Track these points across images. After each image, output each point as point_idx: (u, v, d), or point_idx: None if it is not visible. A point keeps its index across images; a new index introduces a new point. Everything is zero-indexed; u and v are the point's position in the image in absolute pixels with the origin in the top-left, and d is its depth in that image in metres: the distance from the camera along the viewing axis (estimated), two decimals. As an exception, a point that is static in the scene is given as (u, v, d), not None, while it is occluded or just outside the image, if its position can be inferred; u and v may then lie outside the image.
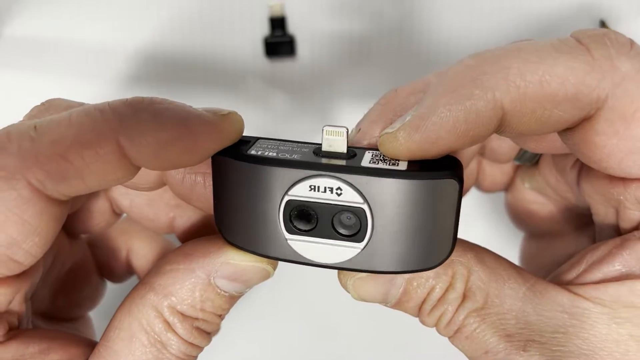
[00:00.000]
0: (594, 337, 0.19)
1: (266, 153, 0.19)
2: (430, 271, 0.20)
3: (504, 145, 0.26)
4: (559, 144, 0.22)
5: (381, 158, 0.19)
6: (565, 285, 0.20)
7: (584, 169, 0.24)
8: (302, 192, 0.19)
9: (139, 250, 0.28)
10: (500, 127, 0.18)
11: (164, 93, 0.43)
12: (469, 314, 0.20)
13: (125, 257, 0.28)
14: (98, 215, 0.26)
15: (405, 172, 0.18)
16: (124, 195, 0.26)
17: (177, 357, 0.20)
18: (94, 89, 0.43)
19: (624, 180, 0.20)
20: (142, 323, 0.20)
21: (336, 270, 0.21)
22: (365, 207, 0.18)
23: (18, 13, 0.44)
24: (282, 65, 0.43)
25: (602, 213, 0.23)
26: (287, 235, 0.19)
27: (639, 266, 0.19)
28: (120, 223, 0.29)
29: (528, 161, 0.28)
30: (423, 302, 0.20)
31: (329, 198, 0.18)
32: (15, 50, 0.43)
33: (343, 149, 0.19)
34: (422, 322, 0.21)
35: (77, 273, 0.27)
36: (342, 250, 0.19)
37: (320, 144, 0.20)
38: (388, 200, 0.18)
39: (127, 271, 0.29)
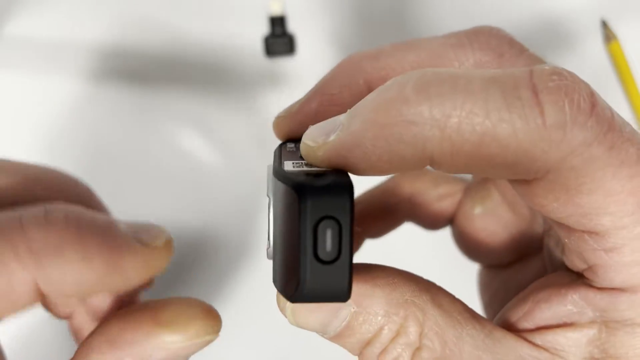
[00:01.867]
0: None
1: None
2: (379, 308, 0.17)
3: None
4: None
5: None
6: (514, 323, 0.19)
7: None
8: None
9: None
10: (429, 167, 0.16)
11: (163, 91, 0.43)
12: None
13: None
14: None
15: (282, 174, 0.16)
16: None
17: None
18: (93, 87, 0.43)
19: (568, 226, 0.18)
20: None
21: None
22: (269, 202, 0.17)
23: (17, 12, 0.43)
24: (282, 64, 0.43)
25: (555, 239, 0.21)
26: None
27: (590, 309, 0.18)
28: None
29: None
30: (368, 342, 0.18)
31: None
32: (15, 50, 0.43)
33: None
34: None
35: None
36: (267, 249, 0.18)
37: None
38: (276, 201, 0.17)
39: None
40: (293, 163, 0.17)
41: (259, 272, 0.41)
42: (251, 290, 0.42)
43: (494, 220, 0.24)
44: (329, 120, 0.17)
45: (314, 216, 0.15)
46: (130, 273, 0.17)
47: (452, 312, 0.18)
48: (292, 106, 0.21)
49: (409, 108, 0.15)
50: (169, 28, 0.43)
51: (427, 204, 0.25)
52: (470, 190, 0.25)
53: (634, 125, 0.43)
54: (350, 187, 0.15)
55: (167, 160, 0.42)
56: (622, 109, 0.43)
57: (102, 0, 0.44)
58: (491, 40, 0.19)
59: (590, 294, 0.18)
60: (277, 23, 0.43)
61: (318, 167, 0.17)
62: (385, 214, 0.25)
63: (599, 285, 0.18)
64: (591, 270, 0.18)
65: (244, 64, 0.43)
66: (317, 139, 0.16)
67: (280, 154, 0.19)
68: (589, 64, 0.43)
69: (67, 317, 0.24)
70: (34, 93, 0.43)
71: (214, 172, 0.42)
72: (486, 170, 0.16)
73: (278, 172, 0.16)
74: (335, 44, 0.43)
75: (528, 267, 0.24)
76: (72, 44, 0.43)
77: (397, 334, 0.17)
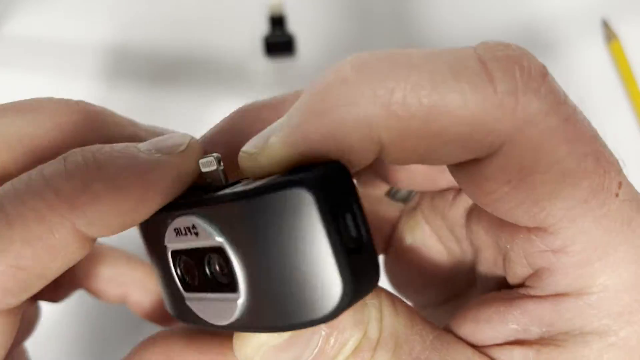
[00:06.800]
0: None
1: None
2: (348, 322, 0.15)
3: (369, 174, 0.21)
4: (429, 178, 0.19)
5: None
6: (460, 338, 0.18)
7: (474, 205, 0.20)
8: (172, 239, 0.16)
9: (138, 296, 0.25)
10: (379, 158, 0.15)
11: (163, 91, 0.43)
12: None
13: (119, 292, 0.25)
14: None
15: (246, 190, 0.14)
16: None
17: None
18: (93, 87, 0.43)
19: (513, 226, 0.16)
20: None
21: None
22: (223, 244, 0.14)
23: (17, 12, 0.43)
24: (282, 65, 0.43)
25: (491, 259, 0.20)
26: (185, 294, 0.16)
27: (535, 325, 0.16)
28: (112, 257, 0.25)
29: (402, 199, 0.23)
30: (335, 357, 0.17)
31: (192, 241, 0.15)
32: (15, 49, 0.43)
33: (221, 180, 0.16)
34: None
35: None
36: (225, 306, 0.15)
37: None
38: (242, 229, 0.14)
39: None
40: (210, 195, 0.15)
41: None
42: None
43: (423, 253, 0.23)
44: (267, 128, 0.15)
45: (333, 208, 0.13)
46: (165, 185, 0.16)
47: (405, 311, 0.17)
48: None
49: (350, 88, 0.14)
50: (168, 28, 0.43)
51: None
52: (402, 217, 0.23)
53: (634, 122, 0.43)
54: (342, 168, 0.14)
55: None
56: (622, 108, 0.43)
57: (102, 1, 0.44)
58: None
59: (532, 305, 0.16)
60: (277, 23, 0.43)
61: (247, 178, 0.15)
62: None
63: (542, 294, 0.16)
64: (536, 276, 0.16)
65: (244, 63, 0.43)
66: (257, 145, 0.15)
67: (186, 200, 0.16)
68: (589, 63, 0.43)
69: (123, 300, 0.24)
70: (33, 92, 0.43)
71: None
72: (439, 149, 0.15)
73: (241, 192, 0.14)
74: (335, 44, 0.43)
75: (459, 306, 0.22)
76: (72, 44, 0.43)
77: (360, 341, 0.17)
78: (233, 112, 0.19)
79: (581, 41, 0.43)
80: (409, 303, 0.20)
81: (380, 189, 0.22)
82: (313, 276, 0.13)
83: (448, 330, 0.18)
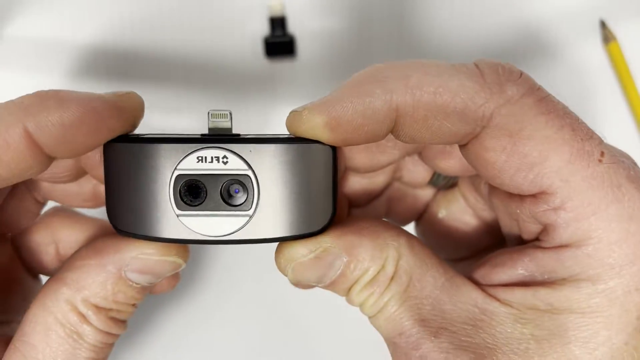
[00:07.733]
0: (499, 334, 0.20)
1: (154, 136, 0.21)
2: (367, 254, 0.21)
3: (419, 168, 0.27)
4: (467, 166, 0.23)
5: (262, 134, 0.21)
6: (475, 281, 0.22)
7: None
8: (190, 165, 0.20)
9: (69, 240, 0.27)
10: (395, 129, 0.20)
11: (163, 92, 0.43)
12: (392, 297, 0.21)
13: (55, 251, 0.28)
14: (21, 209, 0.26)
15: (283, 139, 0.20)
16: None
17: (94, 345, 0.22)
18: (92, 87, 0.43)
19: (520, 195, 0.21)
20: (57, 317, 0.21)
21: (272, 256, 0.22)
22: (250, 173, 0.20)
23: (18, 13, 0.44)
24: (282, 66, 0.43)
25: (508, 225, 0.24)
26: (178, 212, 0.20)
27: (539, 272, 0.21)
28: (44, 217, 0.28)
29: (443, 184, 0.28)
30: (355, 282, 0.21)
31: (216, 168, 0.20)
32: (16, 50, 0.43)
33: (230, 130, 0.21)
34: (349, 301, 0.22)
35: (3, 276, 0.26)
36: (232, 221, 0.20)
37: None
38: (269, 165, 0.20)
39: (60, 264, 0.28)
40: (239, 137, 0.20)
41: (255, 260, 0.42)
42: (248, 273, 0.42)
43: (455, 222, 0.28)
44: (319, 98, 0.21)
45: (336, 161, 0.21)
46: (103, 112, 0.20)
47: (421, 255, 0.21)
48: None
49: (380, 73, 0.20)
50: (168, 28, 0.44)
51: (403, 200, 0.29)
52: (437, 197, 0.29)
53: (633, 124, 0.43)
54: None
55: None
56: (620, 109, 0.43)
57: (102, 1, 0.44)
58: None
59: (539, 254, 0.20)
60: (278, 24, 0.43)
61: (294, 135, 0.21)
62: (370, 196, 0.29)
63: (548, 245, 0.20)
64: (544, 231, 0.20)
65: (244, 64, 0.43)
66: (305, 106, 0.20)
67: (206, 137, 0.20)
68: (587, 64, 0.43)
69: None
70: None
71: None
72: (442, 120, 0.19)
73: (284, 139, 0.20)
74: (335, 45, 0.44)
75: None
76: (74, 44, 0.43)
77: (377, 272, 0.21)
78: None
79: (579, 42, 0.44)
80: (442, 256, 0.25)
81: (424, 176, 0.28)
82: (315, 204, 0.21)
83: (467, 276, 0.22)
